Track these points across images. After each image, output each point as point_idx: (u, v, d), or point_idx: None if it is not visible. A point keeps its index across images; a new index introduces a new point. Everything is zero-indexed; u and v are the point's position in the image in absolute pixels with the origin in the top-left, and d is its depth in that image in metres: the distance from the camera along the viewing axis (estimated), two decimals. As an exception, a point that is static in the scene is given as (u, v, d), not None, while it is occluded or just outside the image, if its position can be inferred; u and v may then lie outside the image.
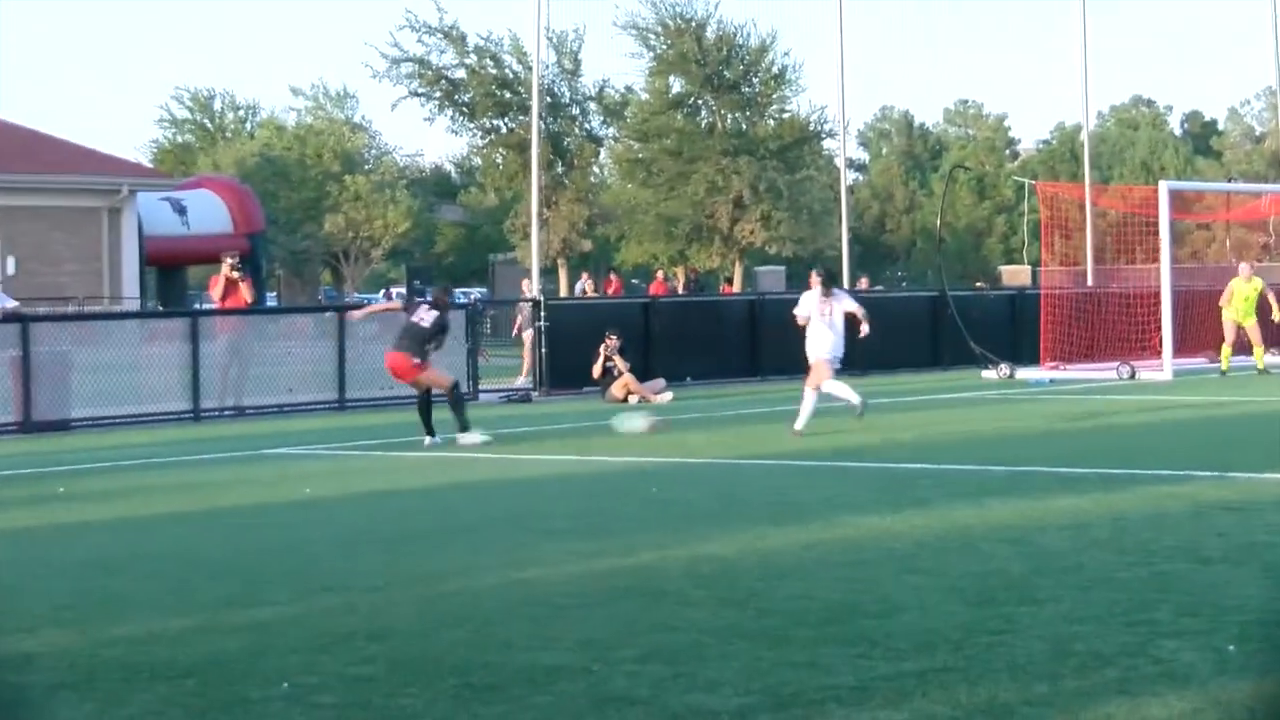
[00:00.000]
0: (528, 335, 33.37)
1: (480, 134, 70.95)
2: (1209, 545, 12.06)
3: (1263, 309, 34.34)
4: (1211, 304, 37.38)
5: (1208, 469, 16.79)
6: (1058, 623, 9.41)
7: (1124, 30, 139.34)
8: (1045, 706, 7.65)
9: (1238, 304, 34.12)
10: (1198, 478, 16.23)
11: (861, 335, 22.76)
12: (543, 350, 31.73)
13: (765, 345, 34.56)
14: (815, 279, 22.64)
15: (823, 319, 22.28)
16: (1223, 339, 34.10)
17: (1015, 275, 73.20)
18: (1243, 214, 58.63)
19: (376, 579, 11.50)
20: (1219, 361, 34.09)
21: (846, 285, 48.30)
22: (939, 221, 62.05)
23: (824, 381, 22.09)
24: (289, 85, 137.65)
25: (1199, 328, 37.67)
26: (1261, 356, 33.94)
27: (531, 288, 36.81)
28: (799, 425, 21.61)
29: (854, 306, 22.74)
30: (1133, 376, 32.48)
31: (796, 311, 22.49)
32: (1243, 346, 34.29)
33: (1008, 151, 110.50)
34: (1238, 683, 7.94)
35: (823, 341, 22.21)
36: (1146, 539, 12.47)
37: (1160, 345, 33.05)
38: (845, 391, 22.13)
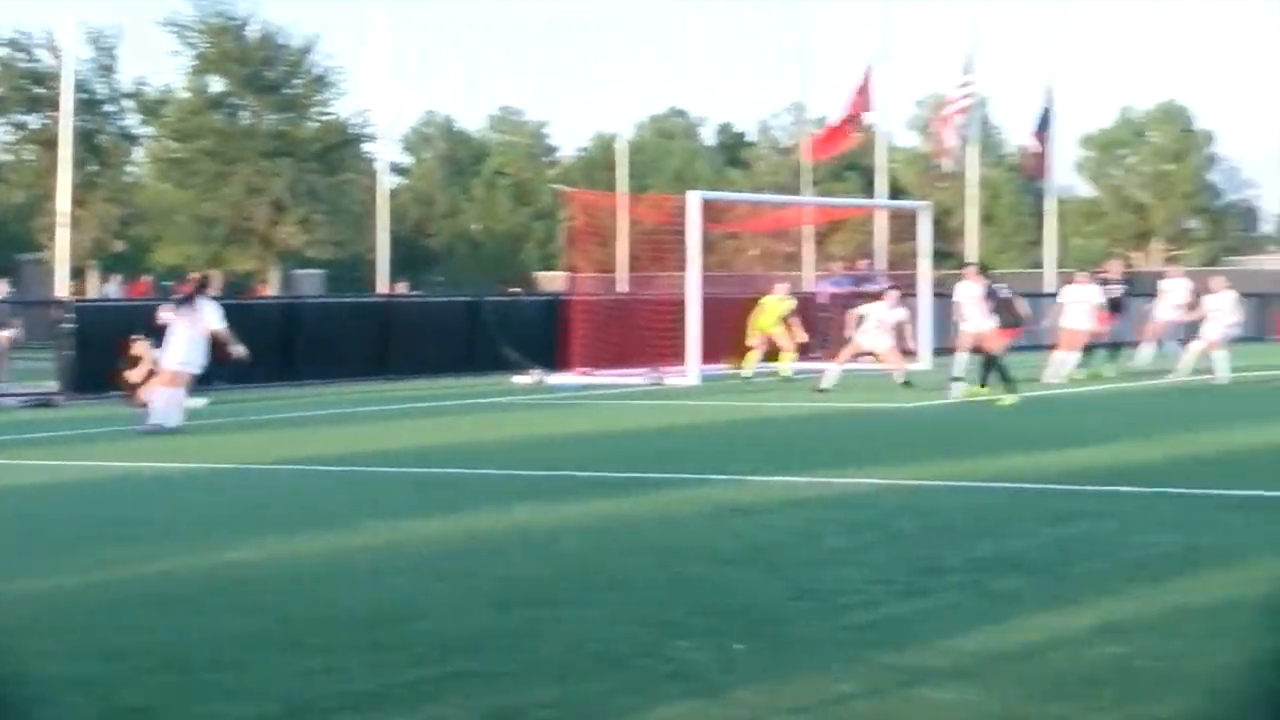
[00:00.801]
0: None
1: (10, 129, 68.76)
2: (722, 546, 12.37)
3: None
4: (739, 312, 38.56)
5: (724, 472, 17.22)
6: (575, 625, 9.54)
7: (662, 42, 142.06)
8: (559, 708, 7.75)
9: (766, 317, 35.25)
10: (715, 481, 16.64)
11: (236, 356, 23.68)
12: (68, 352, 30.91)
13: (301, 349, 34.29)
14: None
15: (182, 328, 22.92)
16: (747, 347, 35.19)
17: (552, 281, 74.07)
18: (770, 224, 60.28)
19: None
20: (741, 368, 35.19)
21: (385, 289, 48.27)
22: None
23: (159, 389, 23.00)
24: None
25: (726, 335, 38.70)
26: (789, 362, 35.11)
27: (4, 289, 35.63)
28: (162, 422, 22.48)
29: (217, 325, 23.33)
30: (661, 382, 33.18)
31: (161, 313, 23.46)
32: (771, 355, 35.43)
33: (547, 159, 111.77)
34: (744, 681, 8.15)
35: (176, 350, 22.92)
36: (664, 541, 12.75)
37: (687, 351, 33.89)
38: (163, 407, 22.73)
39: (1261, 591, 10.32)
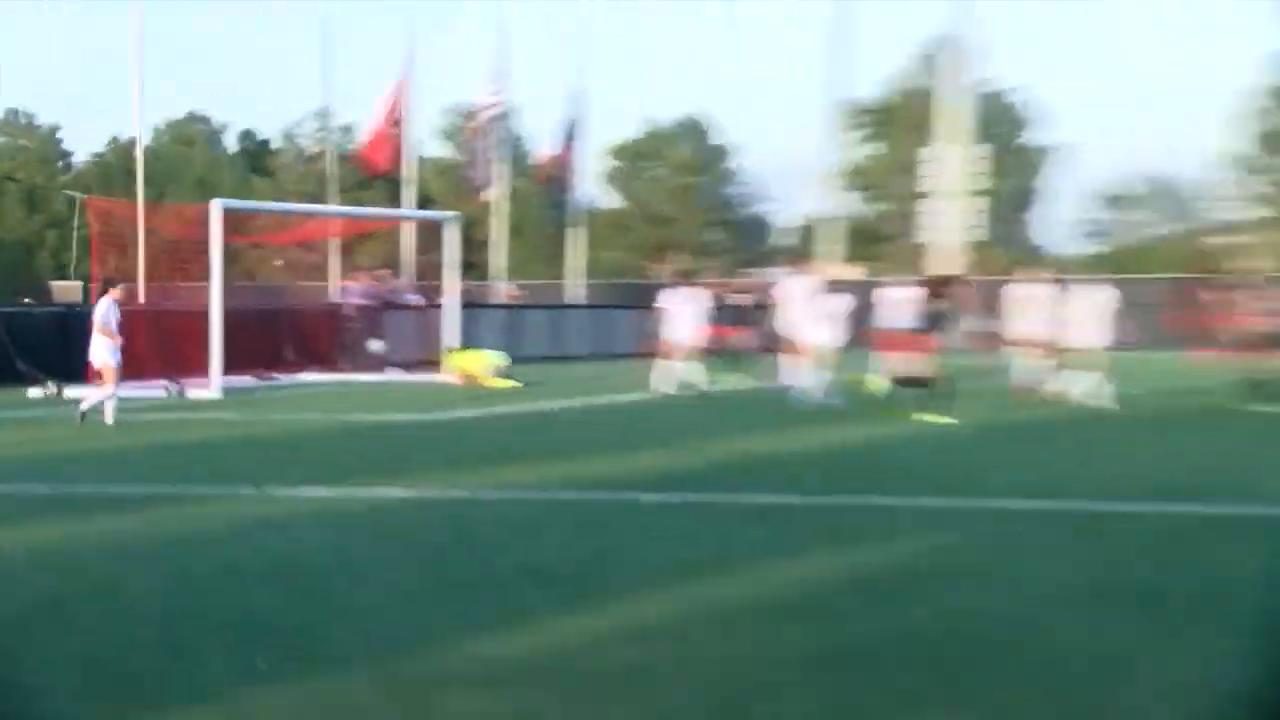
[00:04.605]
0: None
1: None
2: (247, 561, 12.29)
3: None
4: (266, 322, 38.29)
5: (251, 485, 17.09)
6: (91, 648, 9.39)
7: (178, 44, 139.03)
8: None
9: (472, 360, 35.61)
10: (241, 495, 16.46)
11: None
12: None
13: None
14: None
15: None
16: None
17: (66, 291, 71.84)
18: (297, 235, 59.60)
19: None
20: (270, 379, 34.95)
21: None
22: None
23: None
24: None
25: (250, 346, 38.31)
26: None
27: None
28: None
29: None
30: (182, 394, 32.60)
31: None
32: None
33: (61, 164, 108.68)
34: (267, 698, 8.17)
35: None
36: (185, 558, 12.54)
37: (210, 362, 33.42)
38: None
39: (769, 593, 10.77)
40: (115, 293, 27.42)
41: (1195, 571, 11.79)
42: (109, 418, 25.99)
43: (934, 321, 27.01)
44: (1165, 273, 66.78)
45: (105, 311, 26.68)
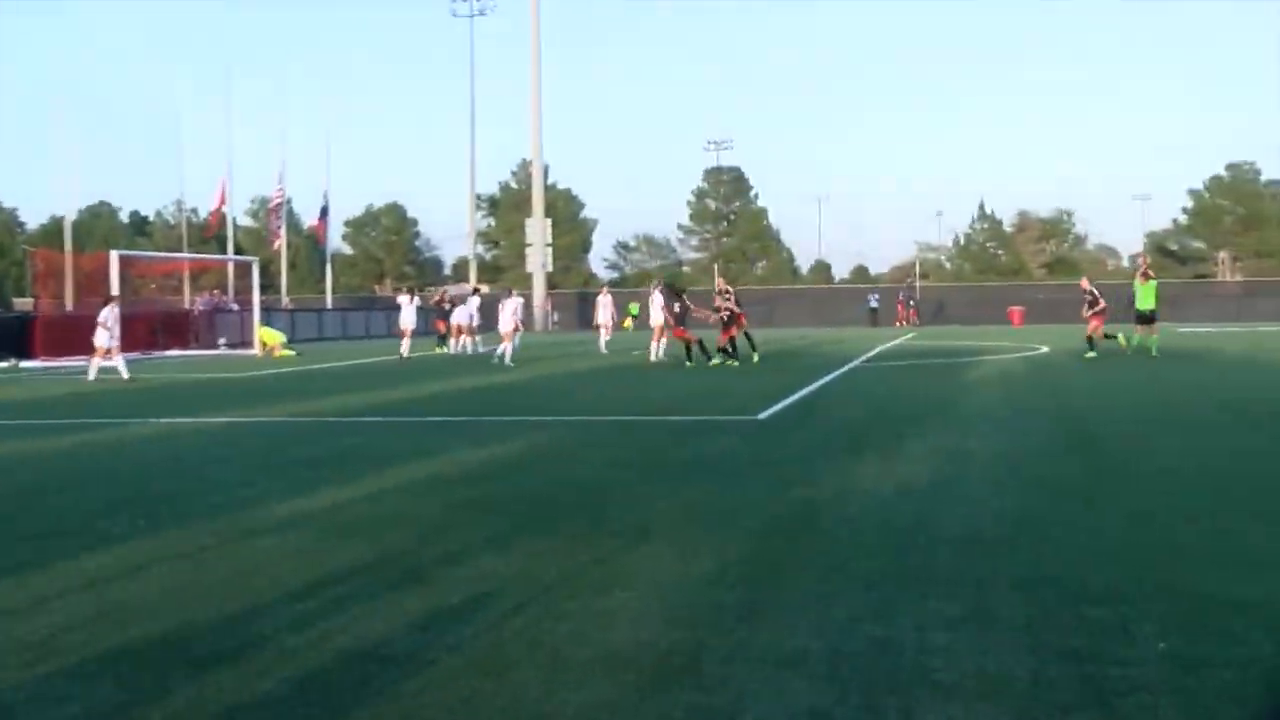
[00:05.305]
0: None
1: None
2: (145, 459, 11.43)
3: None
4: (146, 320, 35.76)
5: (143, 417, 16.01)
6: (55, 511, 8.65)
7: (92, 149, 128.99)
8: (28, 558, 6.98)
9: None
10: (140, 422, 15.37)
11: None
12: None
13: None
14: None
15: None
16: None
17: (24, 304, 66.38)
18: (164, 270, 56.40)
19: None
20: (149, 354, 32.69)
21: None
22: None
23: None
24: None
25: (137, 334, 36.19)
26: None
27: None
28: None
29: None
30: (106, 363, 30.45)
31: None
32: None
33: (19, 230, 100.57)
34: (145, 537, 7.61)
35: None
36: (110, 458, 11.63)
37: None
38: None
39: (452, 469, 10.53)
40: (113, 303, 26.08)
41: (682, 451, 11.87)
42: (125, 373, 24.65)
43: (684, 312, 26.87)
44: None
45: (106, 313, 25.14)
